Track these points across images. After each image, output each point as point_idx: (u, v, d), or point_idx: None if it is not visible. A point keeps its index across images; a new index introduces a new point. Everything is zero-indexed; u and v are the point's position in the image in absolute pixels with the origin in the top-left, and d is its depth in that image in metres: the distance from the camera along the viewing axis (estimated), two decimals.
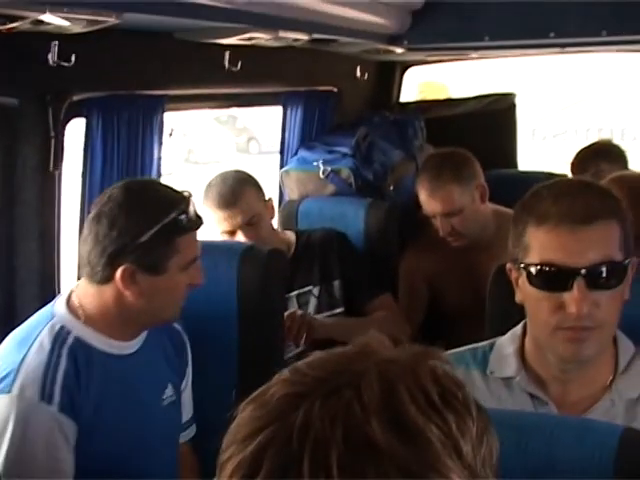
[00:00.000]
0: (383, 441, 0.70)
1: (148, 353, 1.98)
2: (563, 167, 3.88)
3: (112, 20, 1.88)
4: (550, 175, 3.70)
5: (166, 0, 1.88)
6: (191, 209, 1.89)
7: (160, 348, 2.04)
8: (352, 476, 0.69)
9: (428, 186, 2.96)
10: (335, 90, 3.82)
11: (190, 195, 1.93)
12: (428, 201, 2.97)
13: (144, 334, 1.97)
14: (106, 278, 1.83)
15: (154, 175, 2.64)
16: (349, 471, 0.69)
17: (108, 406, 1.85)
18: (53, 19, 1.78)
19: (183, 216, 1.86)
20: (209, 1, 2.05)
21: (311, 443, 0.70)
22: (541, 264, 1.49)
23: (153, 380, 2.01)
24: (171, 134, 2.80)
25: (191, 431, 2.19)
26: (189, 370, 2.15)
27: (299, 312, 2.71)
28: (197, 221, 1.92)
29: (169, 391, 2.03)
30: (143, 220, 1.82)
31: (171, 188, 1.95)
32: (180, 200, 1.89)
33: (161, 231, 1.82)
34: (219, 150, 17.03)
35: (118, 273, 1.81)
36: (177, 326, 2.11)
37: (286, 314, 2.61)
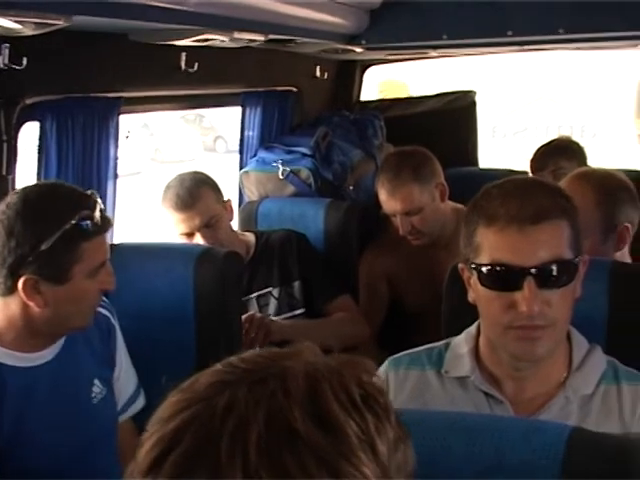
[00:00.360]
0: (303, 429, 0.73)
1: (68, 355, 1.92)
2: (523, 164, 3.89)
3: (61, 23, 1.85)
4: (510, 172, 3.73)
5: (116, 2, 1.85)
6: (96, 212, 1.79)
7: (84, 343, 1.98)
8: (269, 457, 0.71)
9: (388, 185, 2.96)
10: (295, 90, 3.81)
11: (95, 196, 1.84)
12: (388, 200, 2.97)
13: (62, 339, 1.91)
14: (9, 290, 1.75)
15: (110, 178, 2.61)
16: (266, 452, 0.71)
17: (30, 421, 1.82)
18: (1, 21, 1.76)
19: (87, 221, 1.77)
20: (160, 3, 2.03)
21: (233, 421, 0.73)
22: (491, 264, 1.50)
23: (78, 382, 1.95)
24: (128, 136, 2.77)
25: (136, 406, 2.13)
26: (119, 356, 2.08)
27: (257, 315, 2.69)
28: (103, 224, 1.82)
29: (97, 388, 1.98)
30: (42, 228, 1.73)
31: (76, 190, 1.85)
32: (84, 204, 1.79)
33: (62, 238, 1.73)
34: (186, 149, 17.00)
35: (20, 284, 1.73)
36: (104, 311, 2.03)
37: (244, 317, 2.59)
